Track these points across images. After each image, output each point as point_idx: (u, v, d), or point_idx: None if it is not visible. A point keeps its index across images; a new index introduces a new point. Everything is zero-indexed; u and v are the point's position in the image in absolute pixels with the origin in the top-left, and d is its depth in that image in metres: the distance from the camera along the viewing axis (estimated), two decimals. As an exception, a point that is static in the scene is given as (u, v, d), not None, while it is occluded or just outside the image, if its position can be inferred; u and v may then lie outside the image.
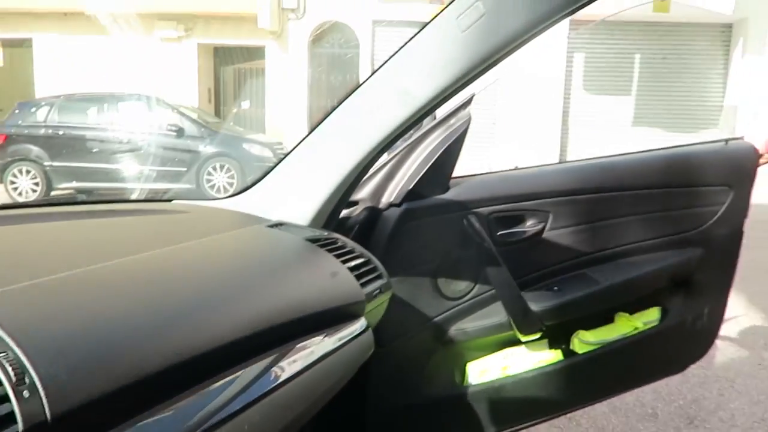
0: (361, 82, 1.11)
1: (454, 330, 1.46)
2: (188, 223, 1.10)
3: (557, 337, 1.53)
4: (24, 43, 10.91)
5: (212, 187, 8.89)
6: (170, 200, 1.26)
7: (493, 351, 1.52)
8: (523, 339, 1.47)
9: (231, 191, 7.55)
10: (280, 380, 0.83)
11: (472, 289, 1.48)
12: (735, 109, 11.49)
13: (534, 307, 1.42)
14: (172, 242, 0.95)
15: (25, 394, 0.54)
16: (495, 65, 0.93)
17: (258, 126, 11.35)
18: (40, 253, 0.86)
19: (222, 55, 11.53)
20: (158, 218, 1.09)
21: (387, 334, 1.32)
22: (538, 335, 1.47)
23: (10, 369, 0.54)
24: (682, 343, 1.63)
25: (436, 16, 0.95)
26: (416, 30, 1.01)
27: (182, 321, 0.76)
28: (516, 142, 11.36)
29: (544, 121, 11.58)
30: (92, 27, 10.02)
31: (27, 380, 0.54)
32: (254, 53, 11.37)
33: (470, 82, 0.95)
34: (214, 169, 8.94)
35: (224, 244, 1.01)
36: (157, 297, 0.76)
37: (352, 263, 1.13)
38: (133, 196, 8.15)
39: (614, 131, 11.79)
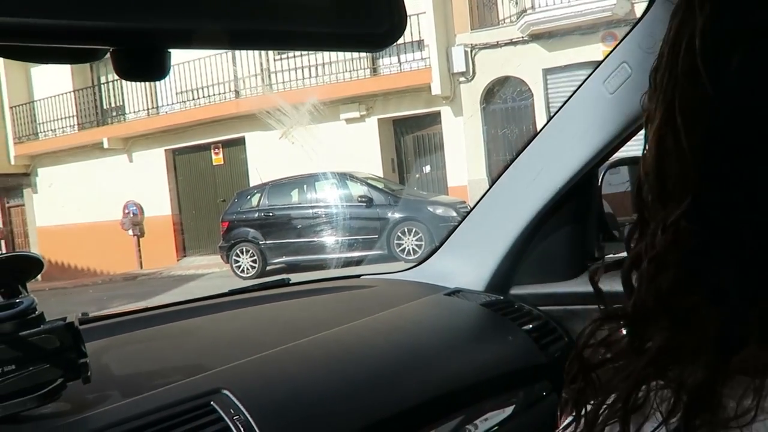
0: (519, 150, 1.17)
1: None
2: (375, 297, 1.23)
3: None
4: (238, 142, 12.78)
5: (402, 250, 9.31)
6: (359, 276, 1.42)
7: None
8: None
9: (420, 253, 7.80)
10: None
11: None
12: None
13: None
14: (361, 315, 1.08)
15: (254, 451, 0.67)
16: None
17: (440, 188, 11.75)
18: (257, 332, 1.05)
19: (401, 126, 12.29)
20: (349, 294, 1.24)
21: None
22: None
23: (243, 430, 0.69)
24: None
25: (582, 83, 0.99)
26: (589, 71, 1.03)
27: (372, 387, 0.87)
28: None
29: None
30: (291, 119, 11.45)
31: (255, 440, 0.69)
32: (430, 120, 11.94)
33: (623, 143, 0.96)
34: (403, 233, 9.39)
35: (406, 314, 1.11)
36: (351, 367, 0.89)
37: (530, 326, 1.16)
38: (333, 267, 8.87)
39: None
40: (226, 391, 0.75)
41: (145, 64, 0.39)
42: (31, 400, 0.67)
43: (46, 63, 0.44)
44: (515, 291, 1.28)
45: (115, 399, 0.73)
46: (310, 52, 11.79)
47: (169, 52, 0.39)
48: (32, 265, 0.79)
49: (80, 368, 0.70)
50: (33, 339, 0.68)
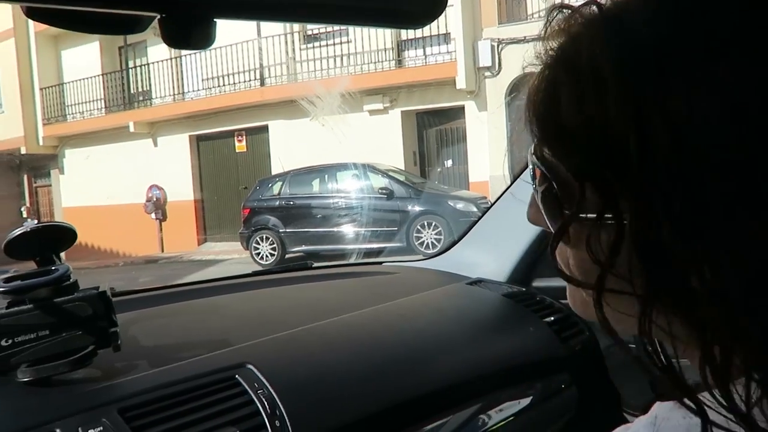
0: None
1: None
2: (396, 283, 1.24)
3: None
4: (261, 130, 12.85)
5: (421, 244, 9.30)
6: (381, 262, 1.42)
7: None
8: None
9: (438, 247, 7.78)
10: (481, 430, 0.90)
11: None
12: None
13: None
14: (383, 300, 1.09)
15: (277, 423, 0.69)
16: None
17: (462, 182, 11.69)
18: (281, 311, 1.06)
19: (424, 119, 12.25)
20: (371, 279, 1.25)
21: None
22: None
23: (266, 403, 0.70)
24: None
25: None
26: None
27: (392, 371, 0.87)
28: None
29: None
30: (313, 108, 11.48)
31: (278, 413, 0.70)
32: (454, 114, 11.87)
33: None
34: (423, 226, 9.38)
35: (428, 301, 1.12)
36: (371, 349, 0.89)
37: (551, 318, 1.16)
38: (352, 257, 8.90)
39: None
40: (250, 366, 0.76)
41: (192, 33, 0.39)
42: (63, 365, 0.69)
43: (94, 32, 0.45)
44: (537, 283, 1.28)
45: (143, 368, 0.75)
46: (342, 40, 11.81)
47: (215, 22, 0.40)
48: (66, 235, 0.81)
49: (111, 336, 0.72)
50: (67, 306, 0.70)
